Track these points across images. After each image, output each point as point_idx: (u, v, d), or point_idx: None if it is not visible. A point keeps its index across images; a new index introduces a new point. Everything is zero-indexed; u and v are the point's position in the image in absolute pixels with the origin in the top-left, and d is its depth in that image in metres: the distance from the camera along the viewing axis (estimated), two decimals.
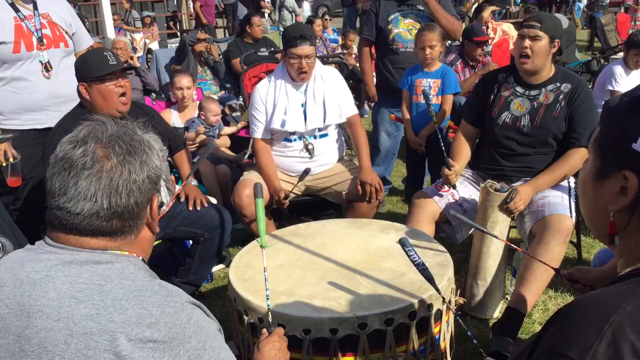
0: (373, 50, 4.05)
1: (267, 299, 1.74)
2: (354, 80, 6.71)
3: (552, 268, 1.74)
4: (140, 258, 1.03)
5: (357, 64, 6.89)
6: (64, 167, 0.97)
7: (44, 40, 2.82)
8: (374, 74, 4.12)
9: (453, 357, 2.13)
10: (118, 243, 0.99)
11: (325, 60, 6.16)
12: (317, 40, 6.99)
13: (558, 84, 2.62)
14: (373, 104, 4.19)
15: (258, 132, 3.04)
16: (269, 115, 3.00)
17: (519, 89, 2.68)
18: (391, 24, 3.77)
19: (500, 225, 2.53)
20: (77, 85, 2.41)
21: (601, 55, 7.67)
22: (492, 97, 2.74)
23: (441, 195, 2.77)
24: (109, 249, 0.98)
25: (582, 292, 1.71)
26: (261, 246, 1.86)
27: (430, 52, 3.35)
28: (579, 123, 2.57)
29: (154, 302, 0.92)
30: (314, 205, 3.35)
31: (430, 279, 1.77)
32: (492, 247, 2.54)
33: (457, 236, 2.83)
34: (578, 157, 2.56)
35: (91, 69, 2.36)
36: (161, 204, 2.66)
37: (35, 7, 2.84)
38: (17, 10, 2.78)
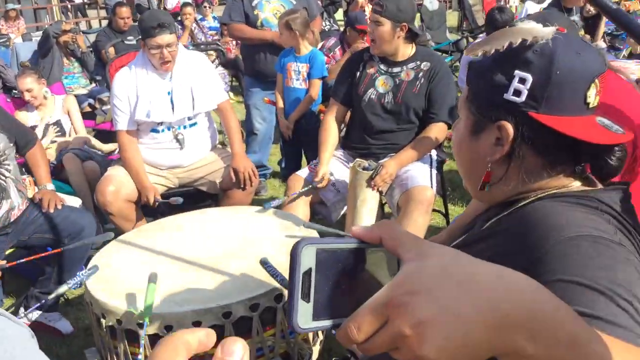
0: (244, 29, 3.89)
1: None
2: (237, 68, 6.61)
3: None
4: None
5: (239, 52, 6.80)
6: None
7: None
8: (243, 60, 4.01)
9: (327, 334, 2.14)
10: None
11: (202, 48, 6.00)
12: (194, 27, 6.77)
13: (418, 62, 2.71)
14: (245, 89, 4.11)
15: (122, 124, 2.87)
16: (132, 105, 2.83)
17: (383, 67, 2.74)
18: (256, 9, 3.72)
19: (369, 202, 2.57)
20: None
21: (470, 34, 8.10)
22: (358, 74, 2.78)
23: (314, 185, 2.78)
24: None
25: None
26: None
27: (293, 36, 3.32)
28: (437, 99, 2.67)
29: None
30: (190, 197, 3.24)
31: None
32: (362, 224, 2.58)
33: (333, 216, 2.87)
34: (437, 130, 2.67)
35: None
36: (11, 207, 2.44)
37: None
38: None
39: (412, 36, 2.69)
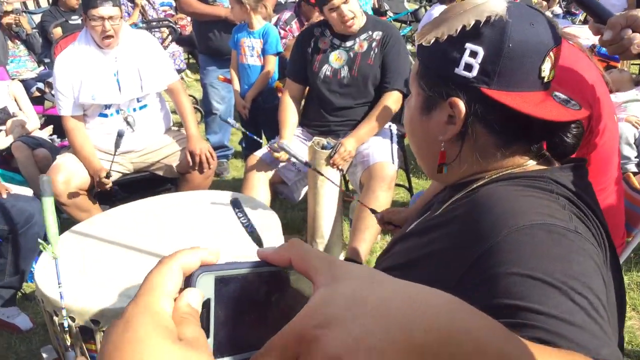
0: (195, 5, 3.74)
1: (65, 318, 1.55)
2: (192, 45, 6.41)
3: (370, 210, 1.75)
4: None
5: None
6: None
7: None
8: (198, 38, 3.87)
9: None
10: None
11: (154, 25, 5.78)
12: (145, 4, 6.51)
13: (370, 32, 2.64)
14: (200, 68, 3.98)
15: (66, 109, 2.73)
16: (75, 88, 2.69)
17: (336, 41, 2.67)
18: None
19: (329, 182, 2.52)
20: None
21: (427, 3, 8.06)
22: (310, 51, 2.70)
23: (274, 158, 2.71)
24: None
25: (394, 232, 1.75)
26: (53, 258, 1.62)
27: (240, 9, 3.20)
28: (390, 67, 2.61)
29: None
30: (148, 182, 3.13)
31: (258, 241, 1.70)
32: (325, 204, 2.54)
33: (295, 195, 2.81)
34: (391, 100, 2.62)
35: None
36: None
37: None
38: None
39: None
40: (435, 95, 0.84)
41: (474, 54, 0.79)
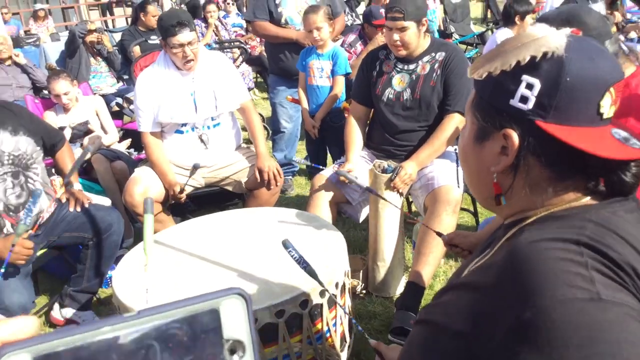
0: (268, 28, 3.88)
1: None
2: (261, 65, 6.61)
3: (436, 233, 1.75)
4: None
5: (263, 48, 6.79)
6: None
7: None
8: (267, 58, 4.00)
9: (355, 337, 2.13)
10: None
11: (226, 45, 6.01)
12: (218, 25, 6.78)
13: (433, 54, 2.66)
14: (270, 88, 4.10)
15: (145, 126, 2.89)
16: (155, 107, 2.85)
17: (399, 64, 2.71)
18: (280, 6, 3.70)
19: (390, 205, 2.52)
20: None
21: (495, 26, 7.96)
22: (374, 74, 2.75)
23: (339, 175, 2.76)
24: None
25: (462, 256, 1.74)
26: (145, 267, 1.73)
27: (319, 34, 3.31)
28: (452, 88, 2.60)
29: None
30: (218, 196, 3.25)
31: (312, 274, 1.73)
32: (386, 227, 2.55)
33: (358, 215, 2.84)
34: (453, 122, 2.59)
35: None
36: (40, 211, 2.48)
37: None
38: None
39: (427, 28, 2.67)
40: (489, 125, 0.83)
41: (530, 87, 0.78)
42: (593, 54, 0.78)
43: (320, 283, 1.73)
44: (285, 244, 1.75)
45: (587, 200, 0.81)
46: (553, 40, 0.78)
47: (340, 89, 3.37)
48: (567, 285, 0.67)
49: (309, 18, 3.29)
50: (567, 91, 0.76)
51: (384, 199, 2.29)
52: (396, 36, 2.57)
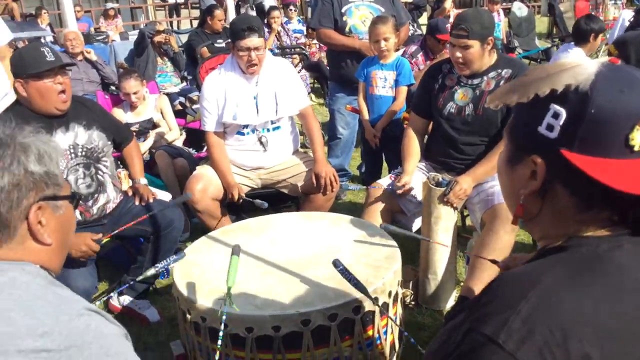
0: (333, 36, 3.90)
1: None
2: (319, 71, 6.69)
3: (490, 261, 1.74)
4: (38, 266, 0.98)
5: (324, 54, 6.86)
6: None
7: None
8: (328, 65, 4.04)
9: (404, 348, 2.13)
10: None
11: (287, 51, 6.12)
12: (280, 31, 6.92)
13: (499, 70, 2.63)
14: (329, 94, 4.15)
15: (210, 125, 2.99)
16: (220, 108, 2.94)
17: (463, 79, 2.69)
18: (345, 15, 3.75)
19: (444, 220, 2.50)
20: (14, 82, 2.32)
21: (560, 42, 7.77)
22: (437, 87, 2.74)
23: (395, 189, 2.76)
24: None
25: None
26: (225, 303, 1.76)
27: (385, 45, 3.32)
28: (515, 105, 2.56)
29: (47, 312, 0.88)
30: (272, 197, 3.32)
31: (363, 290, 1.75)
32: (439, 241, 2.53)
33: (412, 226, 2.83)
34: None
35: (27, 65, 2.27)
36: (107, 201, 2.60)
37: None
38: None
39: (494, 45, 2.64)
40: (521, 150, 0.84)
41: (556, 116, 0.78)
42: (624, 86, 0.76)
43: (370, 298, 1.75)
44: (336, 264, 1.79)
45: (602, 231, 0.80)
46: (581, 71, 0.78)
47: (403, 99, 3.38)
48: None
49: (377, 28, 3.31)
50: (591, 123, 0.75)
51: (438, 243, 2.32)
52: (459, 53, 2.56)
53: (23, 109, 2.33)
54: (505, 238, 2.36)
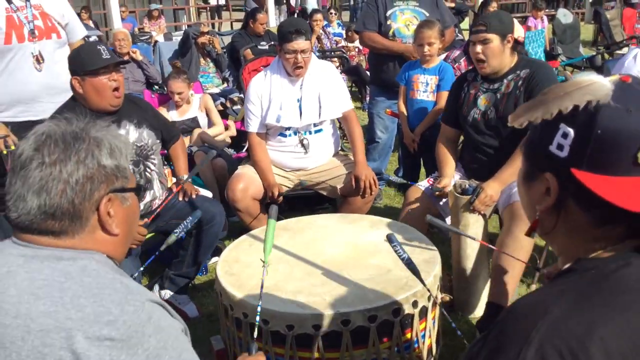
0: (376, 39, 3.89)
1: (258, 314, 1.73)
2: (358, 74, 6.71)
3: (534, 267, 1.74)
4: (105, 255, 1.03)
5: (363, 58, 6.88)
6: (14, 165, 0.98)
7: (36, 32, 2.83)
8: (369, 68, 4.05)
9: (441, 353, 2.14)
10: (67, 242, 0.98)
11: (327, 54, 6.16)
12: (321, 34, 6.97)
13: (518, 72, 2.62)
14: (370, 97, 4.16)
15: (253, 127, 3.05)
16: (264, 109, 3.00)
17: (484, 85, 2.70)
18: (390, 19, 3.76)
19: (472, 227, 2.48)
20: (70, 79, 2.42)
21: (606, 50, 7.60)
22: (462, 96, 2.76)
23: (434, 191, 2.77)
24: (69, 247, 0.98)
25: None
26: (263, 265, 1.83)
27: (429, 49, 3.33)
28: None
29: (114, 300, 0.92)
30: (310, 199, 3.36)
31: (416, 272, 1.78)
32: (468, 249, 2.51)
33: (448, 230, 2.83)
34: None
35: (84, 62, 2.36)
36: (153, 198, 2.68)
37: None
38: (9, 2, 2.80)
39: (514, 46, 2.64)
40: (535, 167, 0.86)
41: (565, 135, 0.79)
42: (632, 105, 0.77)
43: (422, 281, 1.77)
44: (391, 238, 1.81)
45: (611, 251, 0.81)
46: (597, 89, 0.79)
47: (444, 104, 3.37)
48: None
49: (423, 32, 3.32)
50: (599, 143, 0.77)
51: (471, 237, 2.31)
52: (479, 48, 2.58)
53: (78, 105, 2.42)
54: (525, 241, 2.31)
